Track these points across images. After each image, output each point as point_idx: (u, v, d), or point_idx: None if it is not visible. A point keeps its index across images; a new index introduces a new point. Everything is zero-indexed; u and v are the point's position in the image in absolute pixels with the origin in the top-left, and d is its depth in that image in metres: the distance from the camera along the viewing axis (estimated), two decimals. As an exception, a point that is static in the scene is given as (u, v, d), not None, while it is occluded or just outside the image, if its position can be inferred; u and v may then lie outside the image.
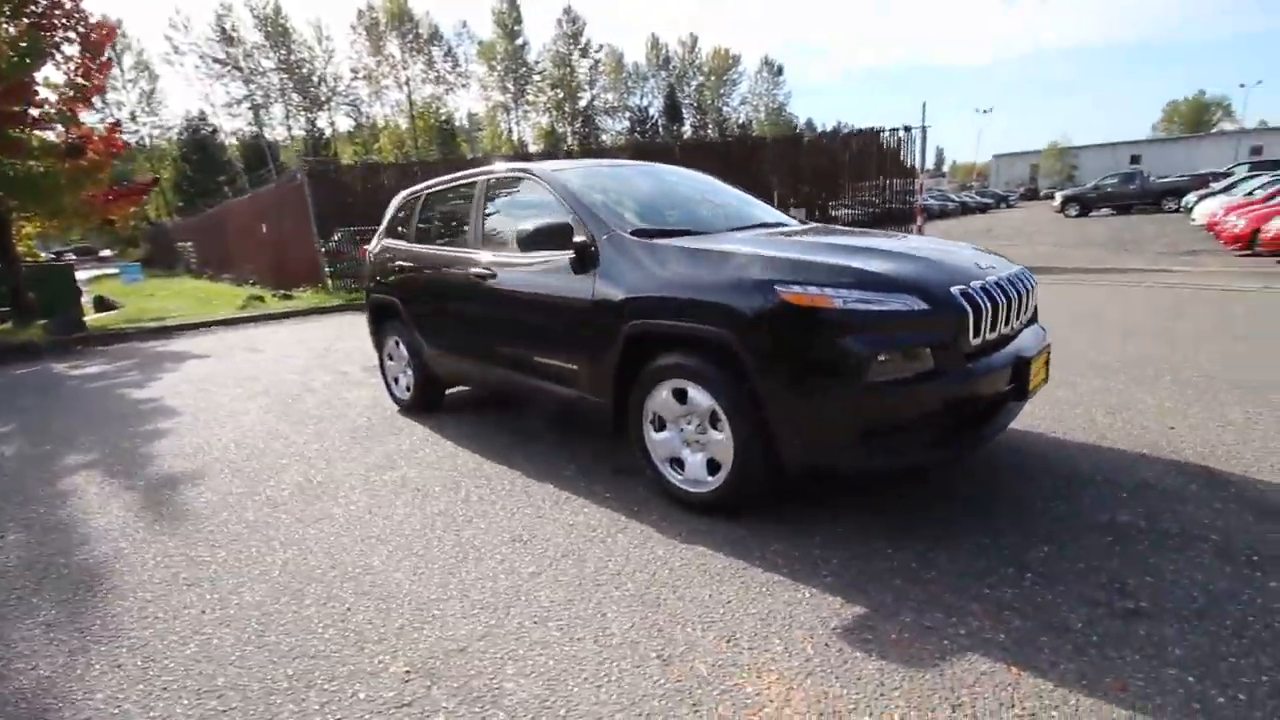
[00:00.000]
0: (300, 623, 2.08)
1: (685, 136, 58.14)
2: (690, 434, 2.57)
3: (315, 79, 49.48)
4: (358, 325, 9.04)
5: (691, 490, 2.60)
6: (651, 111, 63.89)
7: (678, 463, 2.66)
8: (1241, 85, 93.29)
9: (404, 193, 4.56)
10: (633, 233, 2.82)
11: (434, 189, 4.18)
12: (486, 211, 3.58)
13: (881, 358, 2.10)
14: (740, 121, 67.69)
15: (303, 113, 50.27)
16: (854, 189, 13.80)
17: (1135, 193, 25.49)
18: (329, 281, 12.70)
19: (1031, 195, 53.27)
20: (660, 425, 2.68)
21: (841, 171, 13.98)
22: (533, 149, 52.79)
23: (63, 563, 2.61)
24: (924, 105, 13.79)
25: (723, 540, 2.39)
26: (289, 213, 13.43)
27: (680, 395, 2.54)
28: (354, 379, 5.67)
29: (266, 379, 5.92)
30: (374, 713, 1.66)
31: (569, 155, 14.28)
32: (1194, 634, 1.73)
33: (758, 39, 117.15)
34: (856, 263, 2.27)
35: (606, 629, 1.94)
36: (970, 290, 2.23)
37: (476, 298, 3.49)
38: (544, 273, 3.07)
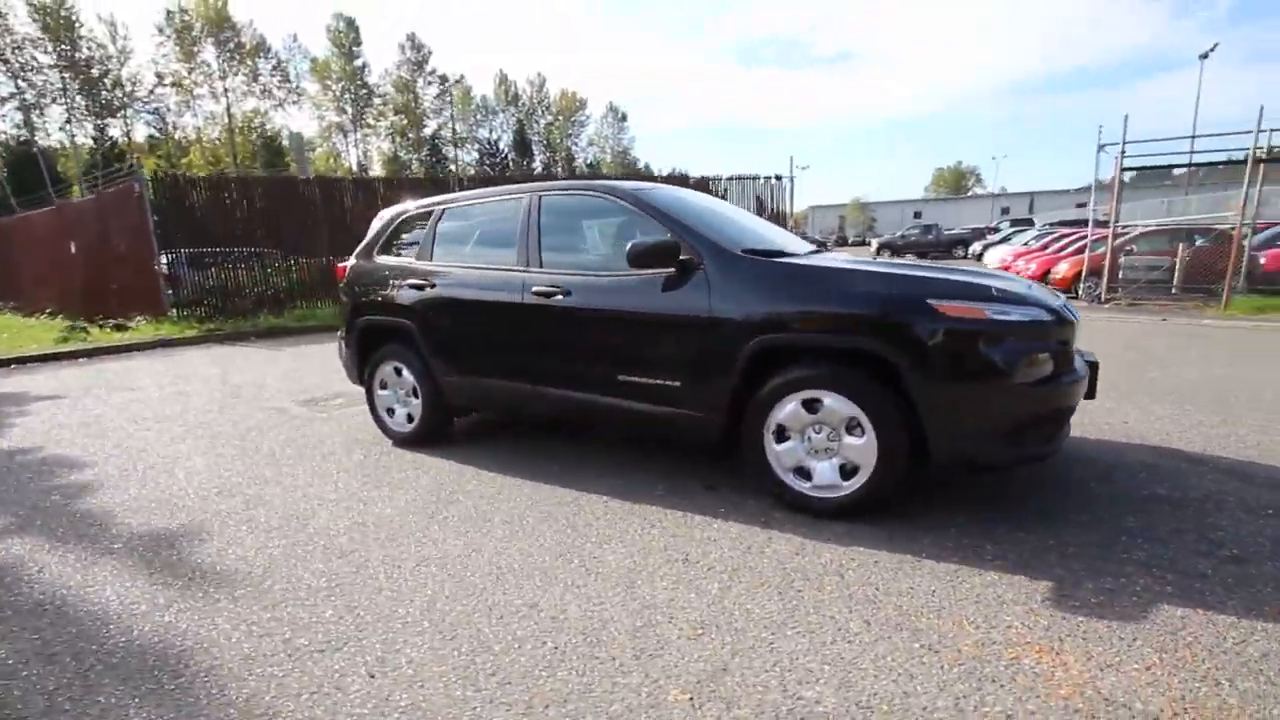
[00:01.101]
0: (516, 668, 1.85)
1: (536, 171, 58.59)
2: (819, 442, 2.70)
3: (108, 81, 42.43)
4: (241, 358, 7.96)
5: (824, 496, 2.71)
6: (501, 145, 63.62)
7: (801, 472, 2.76)
8: (993, 158, 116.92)
9: (404, 208, 4.21)
10: (743, 251, 2.92)
11: (454, 205, 3.92)
12: (541, 229, 3.44)
13: (1025, 362, 2.42)
14: (589, 161, 69.76)
15: (91, 118, 42.70)
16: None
17: (932, 241, 30.47)
18: (174, 310, 10.89)
19: (842, 242, 61.08)
20: (781, 436, 2.77)
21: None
22: (375, 173, 49.82)
23: (97, 650, 2.04)
24: (791, 158, 15.39)
25: (872, 540, 2.53)
26: (117, 228, 11.36)
27: (811, 405, 2.67)
28: (299, 414, 4.98)
29: (179, 419, 4.97)
30: (699, 741, 1.55)
31: (416, 183, 13.76)
32: (1287, 570, 2.21)
33: (601, 86, 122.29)
34: (983, 280, 2.59)
35: (847, 629, 1.98)
36: (1067, 304, 2.65)
37: (536, 318, 3.33)
38: (639, 291, 3.03)
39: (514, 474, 3.46)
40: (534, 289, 3.32)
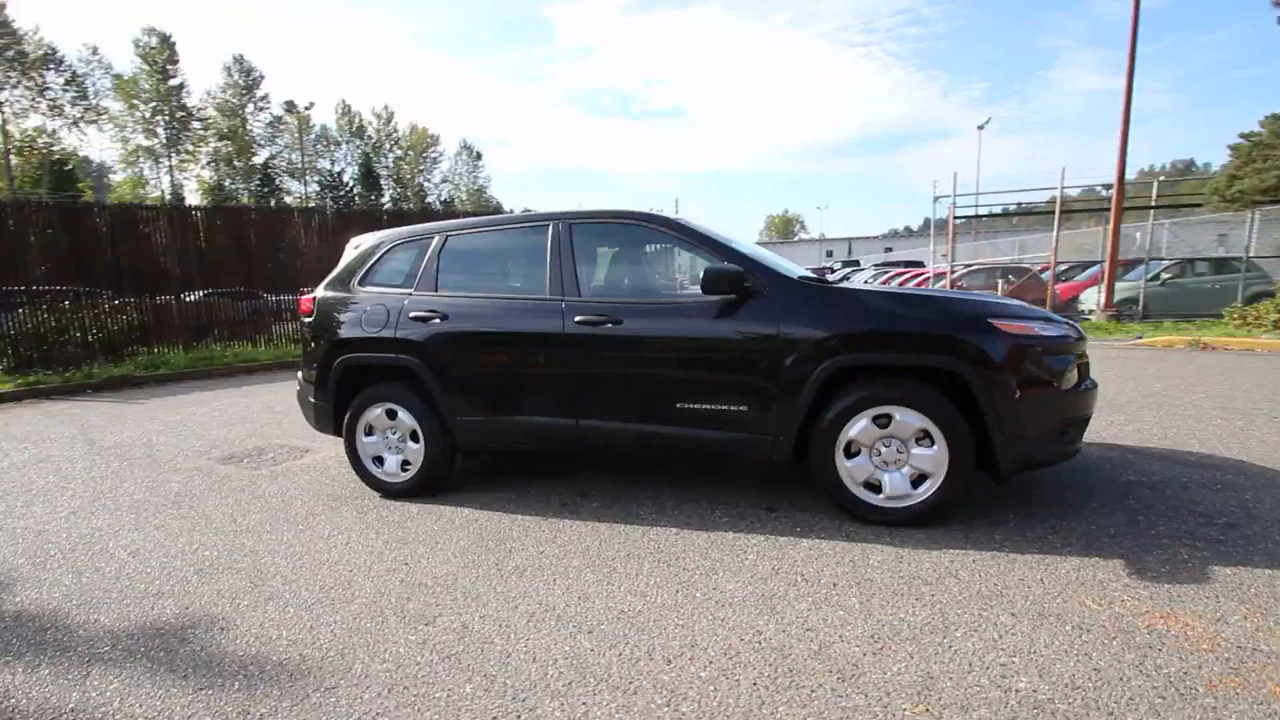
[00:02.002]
0: (736, 711, 1.74)
1: (385, 207, 55.65)
2: (889, 455, 2.87)
3: None
4: (94, 415, 6.71)
5: (896, 506, 2.87)
6: (346, 178, 59.77)
7: (869, 485, 2.91)
8: (817, 208, 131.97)
9: (389, 236, 3.84)
10: (800, 278, 3.06)
11: (459, 233, 3.65)
12: (576, 257, 3.33)
13: (1065, 371, 2.79)
14: (443, 198, 67.74)
15: None
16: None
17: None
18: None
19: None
20: (849, 452, 2.91)
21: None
22: (194, 201, 44.15)
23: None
24: (676, 201, 16.19)
25: (955, 542, 2.72)
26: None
27: (882, 420, 2.84)
28: (231, 475, 4.26)
29: (64, 490, 4.01)
30: (970, 746, 1.57)
31: (241, 213, 12.54)
32: (1275, 522, 2.73)
33: (452, 124, 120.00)
34: (1017, 302, 2.96)
35: (1000, 623, 2.11)
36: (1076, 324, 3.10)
37: (580, 348, 3.20)
38: (699, 317, 3.05)
39: (549, 515, 3.24)
40: (577, 318, 3.19)
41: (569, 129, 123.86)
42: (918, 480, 2.85)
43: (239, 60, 51.28)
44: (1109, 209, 12.10)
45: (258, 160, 52.85)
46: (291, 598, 2.50)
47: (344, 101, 61.35)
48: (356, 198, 57.42)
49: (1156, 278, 12.71)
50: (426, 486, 3.60)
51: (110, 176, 47.40)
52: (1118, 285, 12.33)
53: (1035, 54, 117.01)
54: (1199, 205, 13.44)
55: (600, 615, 2.27)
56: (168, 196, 43.97)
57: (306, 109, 38.90)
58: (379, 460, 3.67)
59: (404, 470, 3.62)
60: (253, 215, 12.86)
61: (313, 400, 3.82)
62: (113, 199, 40.77)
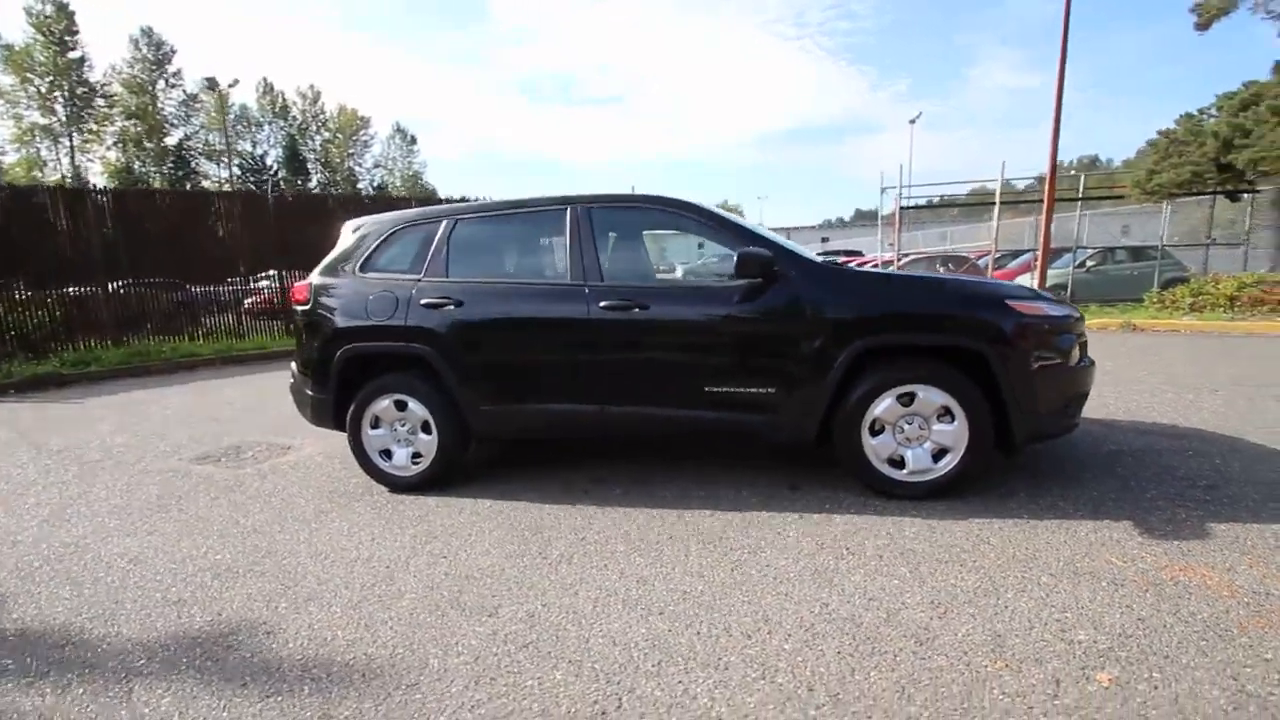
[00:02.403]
0: (883, 696, 1.80)
1: (313, 190, 53.03)
2: (912, 432, 3.00)
3: None
4: (29, 416, 6.16)
5: (918, 480, 3.00)
6: (270, 161, 56.48)
7: (892, 461, 3.04)
8: (758, 197, 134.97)
9: (391, 219, 3.68)
10: (821, 262, 3.14)
11: (468, 217, 3.54)
12: (597, 241, 3.29)
13: (1072, 348, 2.98)
14: (376, 183, 65.03)
15: None
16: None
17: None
18: None
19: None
20: (875, 430, 3.03)
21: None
22: (100, 183, 40.70)
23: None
24: (633, 187, 15.97)
25: (976, 512, 2.88)
26: None
27: (905, 399, 2.96)
28: (214, 475, 4.02)
29: (25, 498, 3.68)
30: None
31: (154, 196, 11.53)
32: (1248, 482, 3.02)
33: (384, 107, 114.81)
34: (1024, 286, 3.13)
35: (1042, 582, 2.26)
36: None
37: (606, 333, 3.18)
38: (727, 302, 3.08)
39: (574, 502, 3.22)
40: (602, 303, 3.16)
41: (508, 114, 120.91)
42: (938, 455, 2.99)
43: (148, 33, 47.43)
44: (1042, 200, 12.89)
45: (171, 141, 49.18)
46: (333, 597, 2.39)
47: (265, 80, 57.84)
48: (281, 182, 54.41)
49: (1082, 265, 13.66)
50: (438, 479, 3.50)
51: (0, 158, 42.97)
52: (1048, 272, 13.18)
53: (956, 52, 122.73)
54: (1122, 197, 14.52)
55: (664, 597, 2.29)
56: (68, 179, 40.21)
57: (231, 86, 36.19)
58: (386, 454, 3.54)
59: (414, 463, 3.50)
60: (168, 200, 11.74)
61: (310, 393, 3.64)
62: (5, 181, 37.05)
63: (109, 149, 46.12)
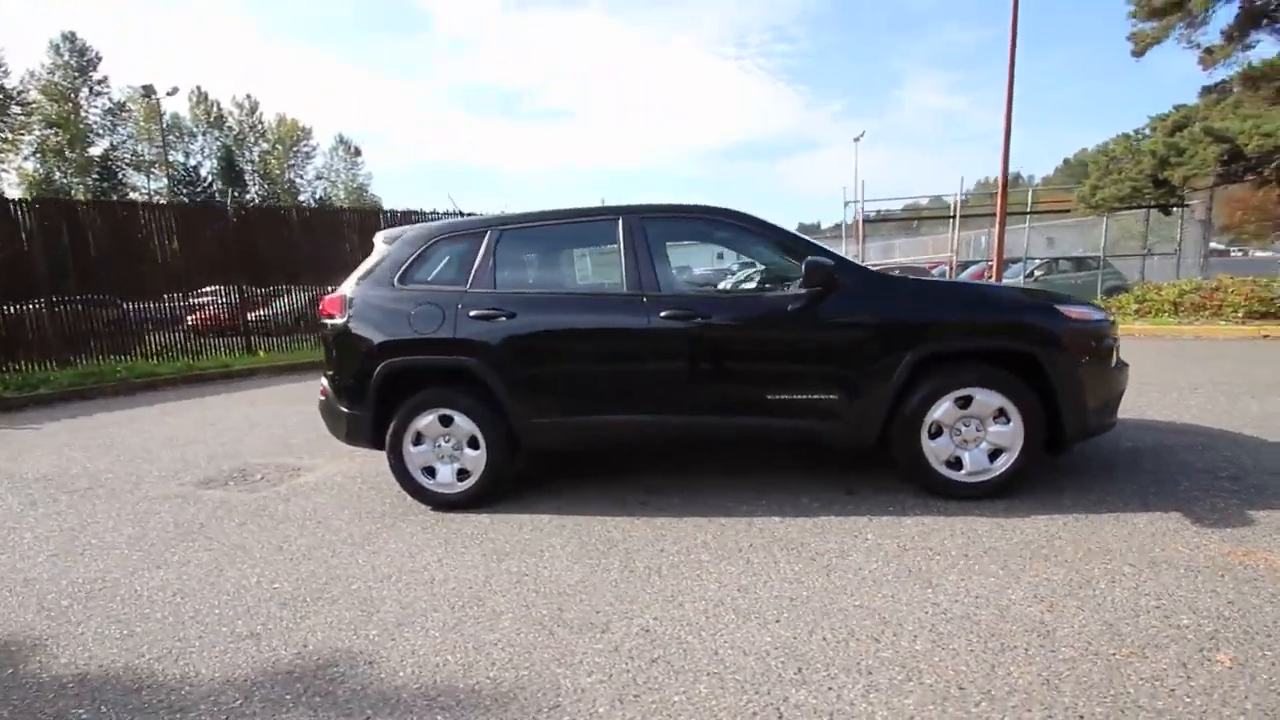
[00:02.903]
0: (1039, 687, 1.83)
1: (250, 203, 50.83)
2: (969, 434, 3.10)
3: None
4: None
5: (976, 480, 3.10)
6: (204, 172, 53.91)
7: (949, 462, 3.13)
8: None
9: (430, 229, 3.56)
10: (876, 273, 3.22)
11: (513, 227, 3.46)
12: (652, 251, 3.28)
13: (1112, 351, 3.15)
14: (318, 195, 62.94)
15: None
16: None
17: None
18: None
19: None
20: (933, 434, 3.11)
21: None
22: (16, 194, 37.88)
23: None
24: (450, 196, 16.13)
25: (1035, 510, 2.98)
26: None
27: (962, 401, 3.06)
28: (230, 499, 3.79)
29: (6, 527, 3.37)
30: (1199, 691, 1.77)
31: (74, 207, 10.66)
32: (1264, 472, 3.25)
33: (326, 118, 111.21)
34: (1059, 293, 3.30)
35: (1124, 573, 2.37)
36: (1104, 311, 3.50)
37: (666, 343, 3.17)
38: (787, 310, 3.12)
39: (636, 514, 3.18)
40: (663, 313, 3.15)
41: (453, 127, 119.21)
42: (993, 455, 3.10)
43: (70, 38, 44.60)
44: (990, 214, 13.63)
45: (95, 152, 46.28)
46: (425, 621, 2.28)
47: (199, 89, 55.29)
48: (216, 194, 51.94)
49: (1031, 274, 14.49)
50: (484, 496, 3.39)
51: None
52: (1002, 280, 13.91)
53: (888, 74, 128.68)
54: (1067, 211, 15.52)
55: (772, 604, 2.28)
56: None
57: (169, 94, 34.42)
58: (429, 471, 3.41)
59: (460, 480, 3.38)
60: (96, 212, 10.76)
61: (345, 410, 3.47)
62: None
63: (26, 159, 42.97)
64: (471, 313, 3.30)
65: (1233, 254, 34.23)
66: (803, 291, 3.09)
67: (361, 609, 2.39)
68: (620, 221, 3.35)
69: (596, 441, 3.42)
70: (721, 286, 3.49)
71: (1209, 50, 13.23)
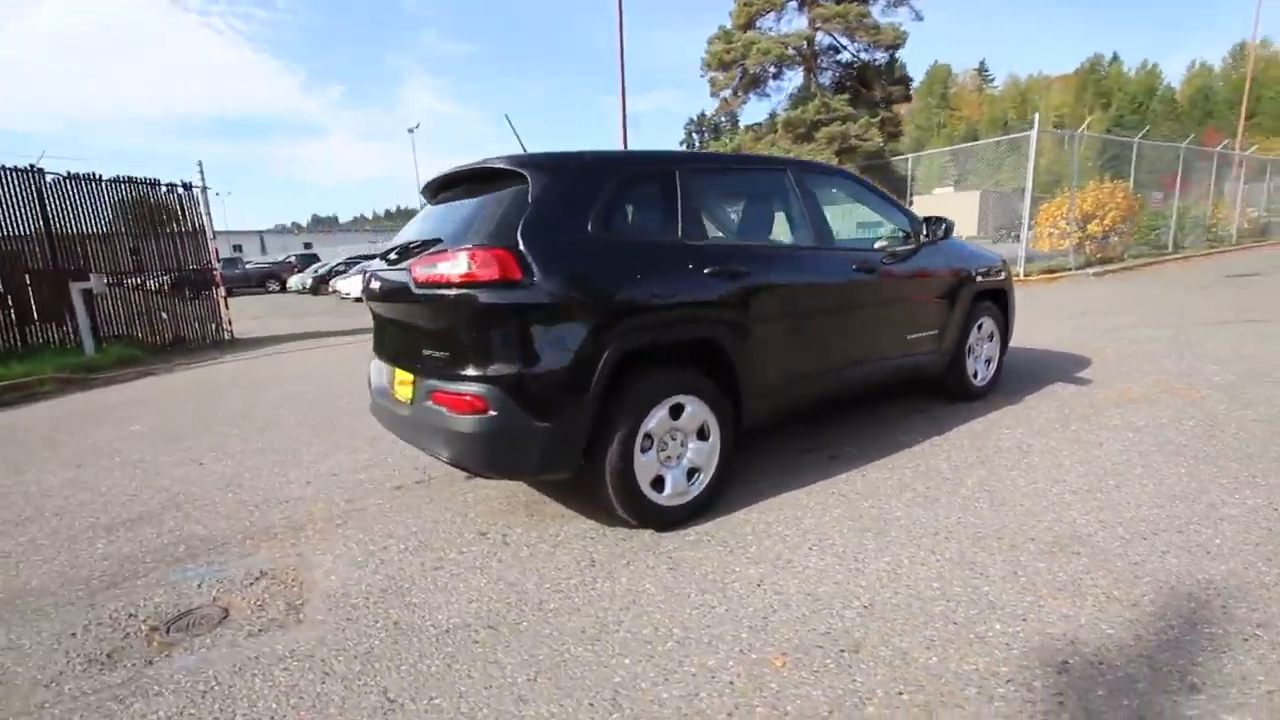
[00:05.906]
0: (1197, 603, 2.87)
1: None
2: (982, 350, 4.23)
3: None
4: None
5: (986, 385, 4.26)
6: None
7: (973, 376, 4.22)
8: (216, 193, 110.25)
9: (608, 158, 2.57)
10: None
11: (690, 167, 2.80)
12: (820, 207, 3.23)
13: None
14: None
15: None
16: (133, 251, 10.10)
17: (240, 277, 27.74)
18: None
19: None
20: (971, 353, 4.13)
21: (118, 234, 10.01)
22: None
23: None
24: (200, 163, 11.33)
25: (1020, 409, 4.33)
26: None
27: (984, 324, 4.16)
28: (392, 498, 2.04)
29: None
30: None
31: None
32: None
33: None
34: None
35: (1173, 481, 3.86)
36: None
37: (858, 295, 3.26)
38: (914, 260, 3.59)
39: (845, 470, 3.14)
40: (854, 265, 3.21)
41: None
42: (987, 362, 4.32)
43: None
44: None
45: None
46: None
47: None
48: None
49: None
50: (706, 501, 2.75)
51: None
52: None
53: (386, 71, 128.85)
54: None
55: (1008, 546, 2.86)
56: None
57: None
58: (658, 483, 2.59)
59: (689, 481, 2.68)
60: None
61: (542, 425, 2.29)
62: None
63: None
64: (706, 270, 2.64)
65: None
66: (922, 242, 3.63)
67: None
68: (787, 173, 3.19)
69: (812, 404, 3.21)
70: (873, 239, 3.70)
71: (725, 101, 18.77)
